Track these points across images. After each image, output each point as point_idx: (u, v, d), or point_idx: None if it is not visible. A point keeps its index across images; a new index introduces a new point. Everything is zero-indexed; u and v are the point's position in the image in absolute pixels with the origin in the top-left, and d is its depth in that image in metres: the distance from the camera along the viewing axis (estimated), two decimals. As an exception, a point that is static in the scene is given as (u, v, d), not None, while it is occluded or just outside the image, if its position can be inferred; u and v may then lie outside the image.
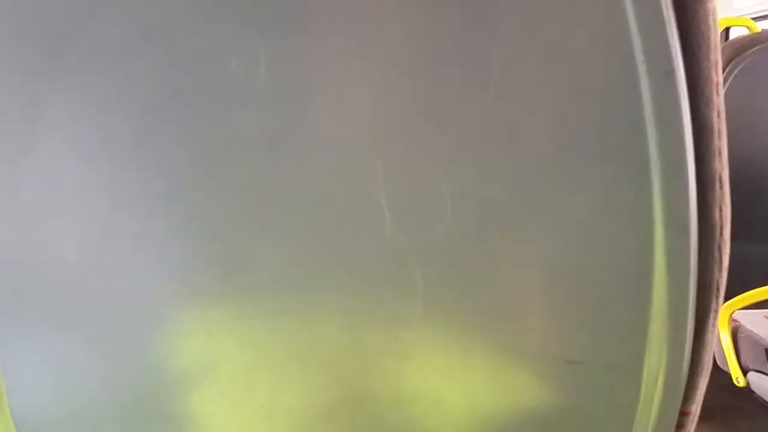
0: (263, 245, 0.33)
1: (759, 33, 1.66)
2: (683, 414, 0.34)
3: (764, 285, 1.29)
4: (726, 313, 1.36)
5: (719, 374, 1.38)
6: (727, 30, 2.24)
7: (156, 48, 0.31)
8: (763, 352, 1.28)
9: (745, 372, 1.34)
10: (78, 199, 0.34)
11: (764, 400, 1.30)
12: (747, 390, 1.34)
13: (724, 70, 1.56)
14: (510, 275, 0.33)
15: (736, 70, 1.54)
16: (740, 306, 1.31)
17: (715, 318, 0.33)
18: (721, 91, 0.31)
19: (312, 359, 0.35)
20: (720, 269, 0.32)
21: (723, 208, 0.32)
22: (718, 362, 1.39)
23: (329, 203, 0.33)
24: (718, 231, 0.32)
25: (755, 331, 1.34)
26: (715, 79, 0.31)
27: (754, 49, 1.57)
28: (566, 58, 0.30)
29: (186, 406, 0.36)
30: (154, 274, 0.34)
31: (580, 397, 0.34)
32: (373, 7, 0.31)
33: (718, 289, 0.33)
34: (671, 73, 0.29)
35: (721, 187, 0.32)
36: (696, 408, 0.34)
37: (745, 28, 1.87)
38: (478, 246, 0.33)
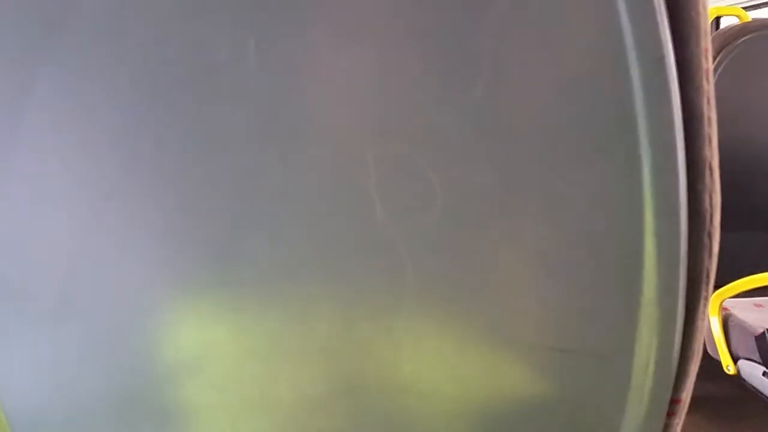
0: (254, 236, 0.33)
1: (750, 22, 1.67)
2: (674, 401, 0.34)
3: (754, 273, 1.30)
4: (716, 302, 1.37)
5: (710, 362, 1.39)
6: (718, 19, 2.25)
7: (144, 38, 0.31)
8: (753, 340, 1.29)
9: (735, 360, 1.35)
10: (67, 190, 0.33)
11: (754, 388, 1.31)
12: (737, 378, 1.35)
13: (714, 59, 1.57)
14: (500, 265, 0.33)
15: (727, 59, 1.55)
16: (730, 294, 1.32)
17: (705, 305, 0.33)
18: (711, 79, 0.31)
19: (303, 350, 0.35)
20: (710, 256, 0.32)
21: (713, 195, 0.32)
22: (709, 350, 1.40)
23: (320, 194, 0.32)
24: (708, 218, 0.32)
25: (745, 320, 1.35)
26: (704, 66, 0.31)
27: (744, 38, 1.57)
28: (556, 45, 0.30)
29: (177, 398, 0.36)
30: (145, 266, 0.34)
31: (571, 385, 0.34)
32: None
33: (708, 277, 0.33)
34: (661, 59, 0.29)
35: (711, 175, 0.32)
36: (687, 395, 0.34)
37: (736, 17, 1.88)
38: (469, 236, 0.32)
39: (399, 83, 0.31)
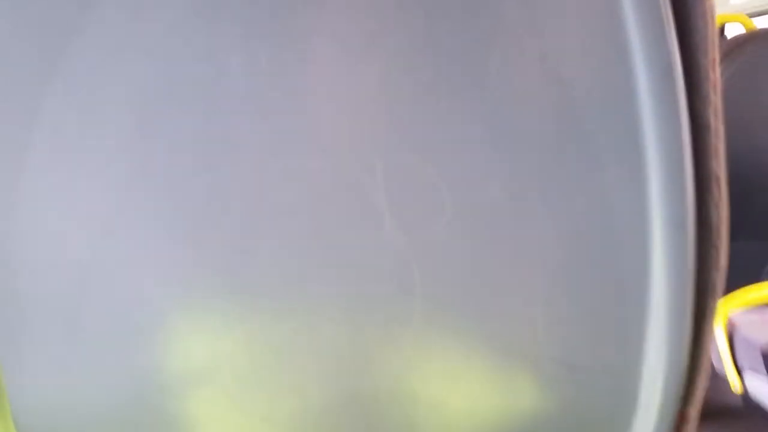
0: (263, 246, 0.33)
1: (755, 30, 1.67)
2: (682, 416, 0.34)
3: (756, 283, 1.30)
4: (721, 314, 1.36)
5: (714, 375, 1.38)
6: (722, 27, 2.25)
7: (155, 46, 0.31)
8: (759, 354, 1.28)
9: (740, 373, 1.35)
10: (78, 198, 0.33)
11: (759, 402, 1.30)
12: (743, 391, 1.35)
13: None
14: (509, 277, 0.33)
15: (732, 68, 1.55)
16: (735, 306, 1.32)
17: (713, 318, 0.33)
18: (719, 90, 0.31)
19: (311, 361, 0.35)
20: (717, 269, 0.32)
21: (720, 207, 0.32)
22: (714, 363, 1.40)
23: (328, 203, 0.32)
24: (715, 231, 0.32)
25: (750, 333, 1.34)
26: (712, 77, 0.31)
27: (749, 47, 1.57)
28: (563, 56, 0.30)
29: (186, 407, 0.36)
30: (155, 275, 0.34)
31: (578, 399, 0.34)
32: (372, 7, 0.31)
33: (715, 290, 0.33)
34: (668, 70, 0.29)
35: (719, 187, 0.31)
36: (695, 410, 0.34)
37: (741, 25, 1.88)
38: (477, 247, 0.32)
39: (408, 93, 0.31)
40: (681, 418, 0.33)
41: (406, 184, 0.32)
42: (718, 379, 1.37)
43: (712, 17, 0.30)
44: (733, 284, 1.27)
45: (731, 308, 1.33)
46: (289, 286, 0.34)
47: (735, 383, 1.35)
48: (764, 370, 1.28)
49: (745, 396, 1.35)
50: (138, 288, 0.34)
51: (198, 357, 0.35)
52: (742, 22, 1.88)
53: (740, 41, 1.57)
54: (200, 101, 0.32)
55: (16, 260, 0.34)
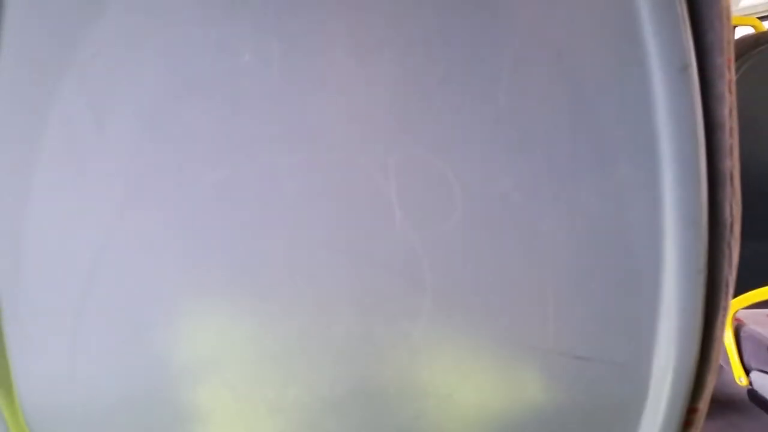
0: (274, 240, 0.33)
1: (765, 32, 1.66)
2: (691, 411, 0.34)
3: (766, 284, 1.29)
4: (729, 312, 1.35)
5: (722, 373, 1.38)
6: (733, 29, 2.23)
7: (169, 40, 0.31)
8: (766, 352, 1.28)
9: (747, 371, 1.34)
10: (89, 191, 0.34)
11: (767, 399, 1.30)
12: (750, 389, 1.34)
13: (729, 69, 1.55)
14: (519, 271, 0.33)
15: (741, 69, 1.54)
16: (743, 305, 1.31)
17: (724, 315, 0.33)
18: (734, 89, 0.31)
19: (321, 353, 0.35)
20: (730, 266, 0.32)
21: (734, 205, 0.32)
22: (721, 361, 1.39)
23: (340, 198, 0.33)
24: (728, 228, 0.32)
25: (758, 330, 1.33)
26: (727, 76, 0.31)
27: (759, 48, 1.56)
28: (579, 54, 0.30)
29: (195, 399, 0.36)
30: (165, 267, 0.34)
31: (588, 393, 0.34)
32: (385, 3, 0.31)
33: (727, 287, 0.33)
34: (684, 69, 0.29)
35: (732, 185, 0.32)
36: (704, 406, 0.34)
37: (751, 27, 1.86)
38: (488, 242, 0.32)
39: (421, 90, 0.32)
40: (689, 413, 0.34)
41: (417, 180, 0.32)
42: (725, 373, 1.37)
43: (728, 17, 0.30)
44: (744, 284, 1.26)
45: (741, 307, 1.33)
46: (300, 279, 0.34)
47: (741, 380, 1.35)
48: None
49: (751, 392, 1.34)
50: (148, 280, 0.35)
51: (207, 348, 0.36)
52: (752, 25, 1.87)
53: (750, 42, 1.56)
54: (213, 97, 0.32)
55: (28, 252, 0.35)
